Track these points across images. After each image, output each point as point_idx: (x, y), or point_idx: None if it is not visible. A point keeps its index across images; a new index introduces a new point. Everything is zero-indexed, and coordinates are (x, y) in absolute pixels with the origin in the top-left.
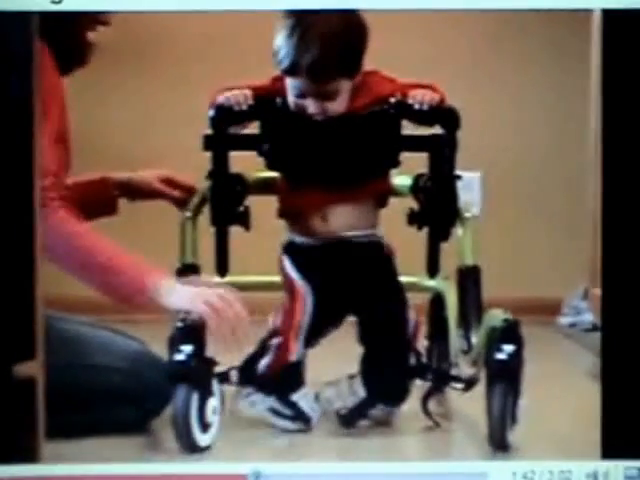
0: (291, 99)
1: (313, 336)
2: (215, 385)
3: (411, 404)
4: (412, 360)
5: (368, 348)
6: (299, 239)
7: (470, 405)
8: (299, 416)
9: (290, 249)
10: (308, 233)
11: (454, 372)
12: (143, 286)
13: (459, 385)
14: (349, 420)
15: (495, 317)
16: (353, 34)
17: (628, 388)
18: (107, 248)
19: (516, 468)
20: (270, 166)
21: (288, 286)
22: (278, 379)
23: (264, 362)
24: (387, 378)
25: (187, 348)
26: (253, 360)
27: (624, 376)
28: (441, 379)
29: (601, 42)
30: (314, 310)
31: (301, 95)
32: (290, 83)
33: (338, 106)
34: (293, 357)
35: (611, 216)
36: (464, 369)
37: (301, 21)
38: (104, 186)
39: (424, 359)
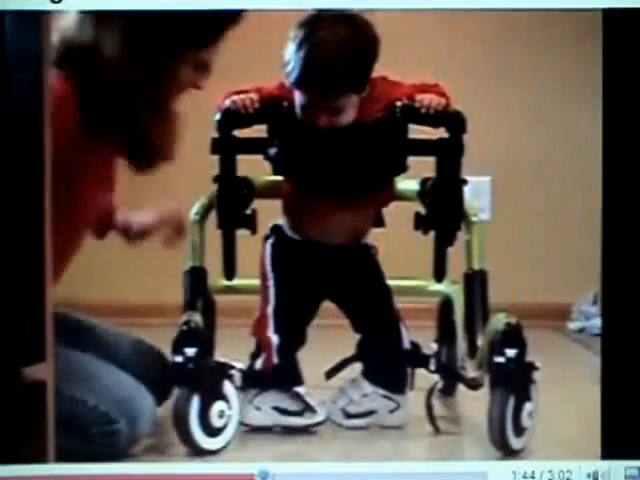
0: (298, 111)
1: (290, 324)
2: (228, 389)
3: (419, 409)
4: (407, 344)
5: (361, 333)
6: (290, 233)
7: (479, 409)
8: (306, 408)
9: (275, 234)
10: (303, 236)
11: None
12: None
13: (463, 385)
14: (330, 372)
15: (498, 320)
16: (362, 50)
17: (628, 388)
18: None
19: (516, 468)
20: (276, 171)
21: (262, 275)
22: (275, 371)
23: (260, 360)
24: (379, 356)
25: (189, 351)
26: (252, 361)
27: (624, 376)
28: (443, 370)
29: (602, 42)
30: (284, 298)
31: (308, 108)
32: (297, 96)
33: (345, 119)
34: (275, 340)
35: (611, 219)
36: (470, 373)
37: (310, 35)
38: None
39: (424, 350)
